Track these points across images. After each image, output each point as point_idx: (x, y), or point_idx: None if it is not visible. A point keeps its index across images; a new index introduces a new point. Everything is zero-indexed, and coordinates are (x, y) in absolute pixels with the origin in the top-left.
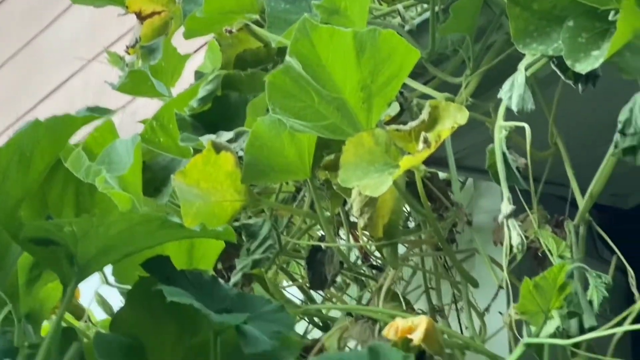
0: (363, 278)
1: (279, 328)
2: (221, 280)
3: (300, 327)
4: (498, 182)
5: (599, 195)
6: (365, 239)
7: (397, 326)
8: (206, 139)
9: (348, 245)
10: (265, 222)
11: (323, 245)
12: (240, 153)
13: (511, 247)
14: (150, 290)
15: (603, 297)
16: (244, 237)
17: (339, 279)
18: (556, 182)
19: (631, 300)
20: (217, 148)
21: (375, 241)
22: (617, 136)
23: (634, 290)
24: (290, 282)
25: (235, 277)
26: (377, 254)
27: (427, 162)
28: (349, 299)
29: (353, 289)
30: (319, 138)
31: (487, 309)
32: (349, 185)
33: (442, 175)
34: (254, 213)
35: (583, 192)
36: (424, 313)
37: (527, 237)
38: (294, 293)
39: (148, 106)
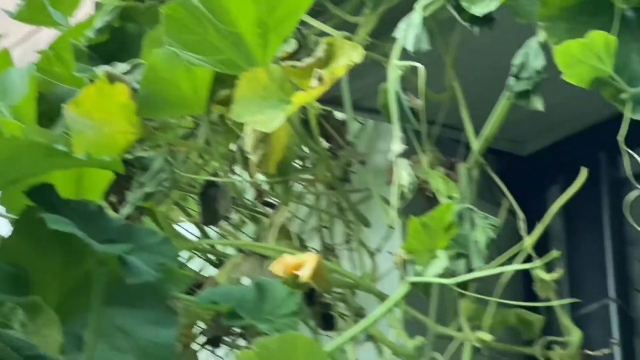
0: (258, 215)
1: (163, 260)
2: (108, 211)
3: (196, 264)
4: (390, 121)
5: (493, 139)
6: (259, 175)
7: (285, 263)
8: (101, 70)
9: (242, 181)
10: (158, 155)
11: (217, 180)
12: (136, 85)
13: (402, 186)
14: (36, 219)
15: (490, 238)
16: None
17: (235, 216)
18: (455, 126)
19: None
20: (112, 79)
21: (268, 178)
22: (511, 80)
23: (523, 233)
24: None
25: (126, 210)
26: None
27: (325, 101)
28: (246, 238)
29: (250, 227)
30: (215, 73)
31: (378, 249)
32: (242, 121)
33: (342, 116)
34: (150, 147)
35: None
36: (317, 252)
37: (418, 178)
38: (192, 231)
39: (52, 37)
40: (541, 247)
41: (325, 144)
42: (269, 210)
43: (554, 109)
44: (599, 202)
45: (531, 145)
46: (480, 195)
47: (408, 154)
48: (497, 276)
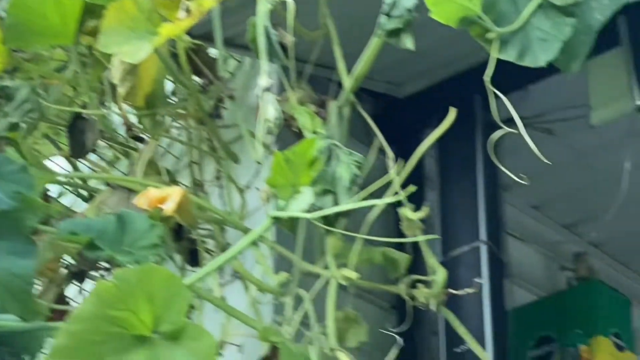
0: (130, 150)
1: (20, 188)
2: None
3: (67, 200)
4: (258, 56)
5: (365, 78)
6: (128, 108)
7: (150, 196)
8: None
9: (109, 113)
10: (24, 85)
11: (85, 113)
12: (2, 14)
13: (267, 121)
14: None
15: (354, 174)
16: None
17: (109, 152)
18: (329, 65)
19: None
20: None
21: (137, 111)
22: (382, 18)
23: (392, 172)
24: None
25: None
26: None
27: (198, 36)
28: (118, 174)
29: (124, 163)
30: (84, 2)
31: (247, 186)
32: (108, 51)
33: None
34: (22, 79)
35: None
36: (187, 187)
37: (285, 114)
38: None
39: None
40: (416, 191)
41: (196, 79)
42: (140, 145)
43: (430, 52)
44: (473, 146)
45: (408, 88)
46: (357, 137)
47: (280, 90)
48: (365, 215)
